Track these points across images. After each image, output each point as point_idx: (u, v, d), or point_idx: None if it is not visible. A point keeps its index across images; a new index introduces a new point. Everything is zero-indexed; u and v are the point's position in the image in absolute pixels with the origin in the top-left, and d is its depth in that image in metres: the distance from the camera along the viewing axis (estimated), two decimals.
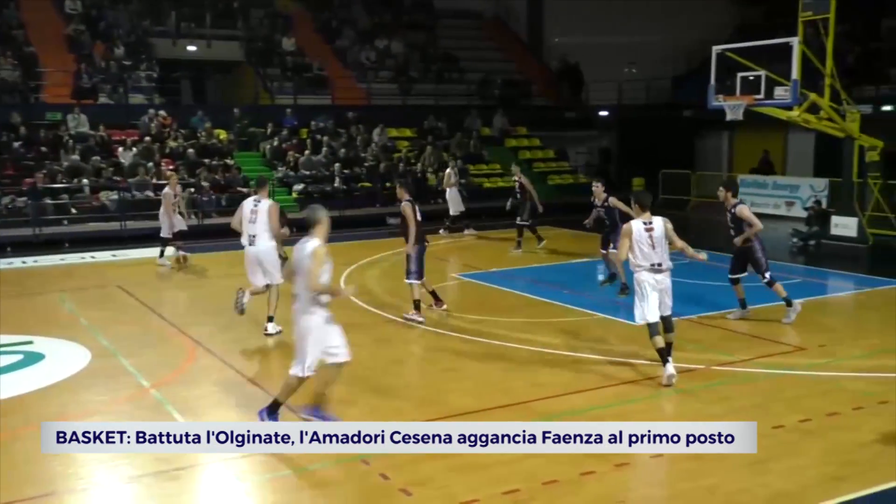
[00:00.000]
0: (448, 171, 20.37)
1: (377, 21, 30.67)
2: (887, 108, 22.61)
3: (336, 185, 23.13)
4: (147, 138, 22.69)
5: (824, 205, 21.35)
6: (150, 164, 21.76)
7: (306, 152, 23.77)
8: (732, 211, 10.95)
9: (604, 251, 13.72)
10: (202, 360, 9.70)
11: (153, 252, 16.43)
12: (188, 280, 15.01)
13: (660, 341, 8.59)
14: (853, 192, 17.17)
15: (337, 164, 23.50)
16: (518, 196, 17.38)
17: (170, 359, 9.74)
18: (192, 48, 26.75)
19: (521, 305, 12.45)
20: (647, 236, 8.54)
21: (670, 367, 8.50)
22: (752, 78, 15.79)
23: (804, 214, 19.80)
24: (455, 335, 10.57)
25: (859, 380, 8.65)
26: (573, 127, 29.99)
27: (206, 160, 22.64)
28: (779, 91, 15.38)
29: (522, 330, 10.78)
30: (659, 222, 8.63)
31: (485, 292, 13.31)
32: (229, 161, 23.09)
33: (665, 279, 8.66)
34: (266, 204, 10.28)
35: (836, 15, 15.86)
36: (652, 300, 8.61)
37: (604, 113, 30.17)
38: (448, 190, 20.06)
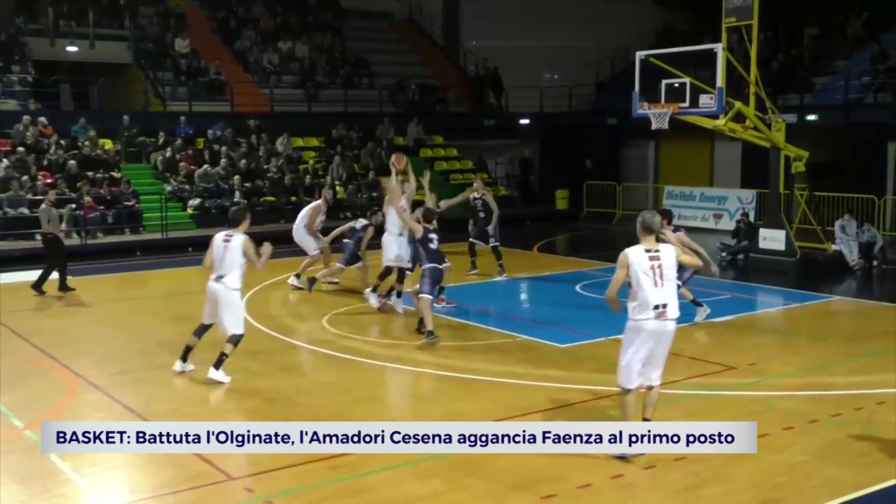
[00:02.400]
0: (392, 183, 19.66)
1: (280, 21, 30.49)
2: (812, 117, 23.65)
3: (236, 199, 22.79)
4: (21, 148, 21.95)
5: (753, 217, 22.17)
6: (25, 177, 21.06)
7: (203, 164, 23.39)
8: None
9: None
10: (85, 395, 9.40)
11: (29, 276, 15.85)
12: (68, 306, 14.53)
13: (627, 415, 7.39)
14: (780, 203, 17.86)
15: (237, 177, 23.19)
16: (482, 215, 16.33)
17: (46, 395, 9.41)
18: (72, 49, 26.05)
19: (440, 328, 12.47)
20: (652, 266, 7.15)
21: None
22: (676, 85, 16.28)
23: (733, 227, 20.46)
24: (369, 362, 10.53)
25: (789, 399, 8.98)
26: (492, 135, 30.34)
27: (90, 173, 22.03)
28: (704, 99, 15.91)
29: (441, 355, 10.82)
30: (669, 251, 7.28)
31: (397, 317, 13.30)
32: (116, 174, 22.53)
33: (668, 329, 7.26)
34: (239, 239, 9.66)
35: (759, 22, 16.52)
36: (640, 355, 7.28)
37: (524, 121, 30.63)
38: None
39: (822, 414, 8.43)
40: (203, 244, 21.37)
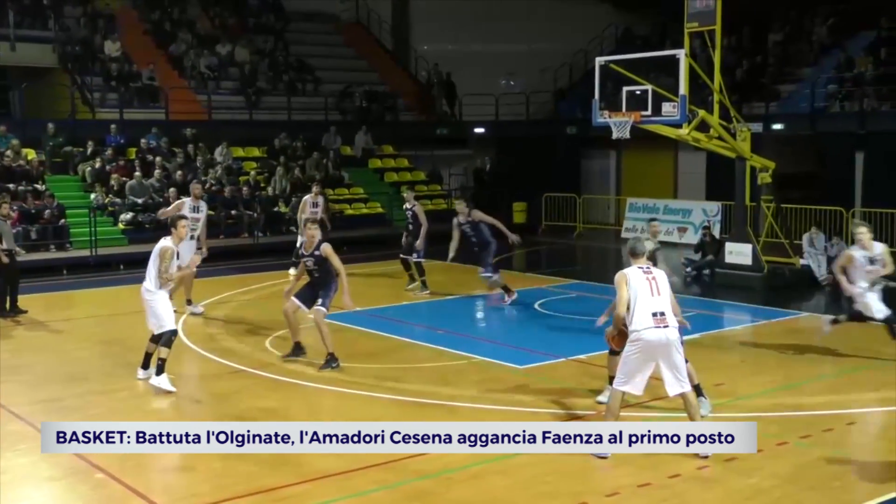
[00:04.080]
0: (305, 198, 19.52)
1: (218, 23, 30.33)
2: (778, 126, 24.14)
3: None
4: None
5: (718, 230, 22.51)
6: None
7: (135, 175, 23.14)
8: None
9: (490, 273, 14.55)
10: (7, 425, 9.22)
11: None
12: None
13: (610, 415, 8.10)
14: (746, 216, 18.16)
15: (172, 189, 22.92)
16: (411, 227, 16.66)
17: None
18: None
19: (389, 349, 12.48)
20: (647, 280, 8.02)
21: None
22: (638, 92, 16.47)
23: (697, 241, 20.75)
24: (313, 385, 10.50)
25: (757, 420, 9.09)
26: (446, 145, 30.45)
27: (11, 185, 21.66)
28: (667, 107, 16.12)
29: (391, 377, 10.81)
30: (661, 271, 8.25)
31: (347, 335, 13.27)
32: (40, 186, 22.18)
33: (670, 337, 7.90)
34: (157, 245, 10.71)
35: (723, 27, 16.84)
36: (632, 366, 7.97)
37: (479, 130, 30.80)
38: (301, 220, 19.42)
39: (792, 436, 8.59)
40: (136, 261, 21.23)
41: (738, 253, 17.77)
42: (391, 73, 32.45)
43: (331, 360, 11.18)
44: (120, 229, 22.06)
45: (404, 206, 17.12)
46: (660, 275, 8.14)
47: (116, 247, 21.40)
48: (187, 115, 26.21)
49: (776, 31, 28.57)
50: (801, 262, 18.09)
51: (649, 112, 16.20)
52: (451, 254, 15.45)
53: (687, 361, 8.65)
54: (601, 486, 7.53)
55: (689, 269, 19.08)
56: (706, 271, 18.82)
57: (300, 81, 29.65)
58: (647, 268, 8.15)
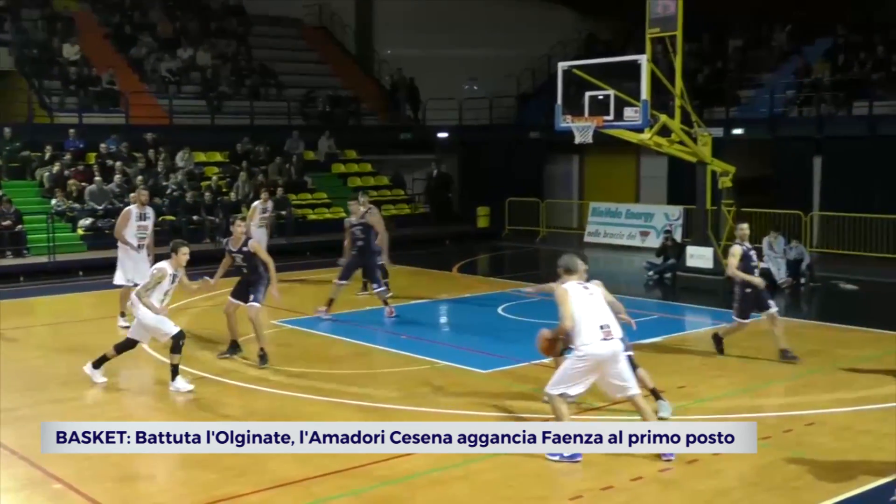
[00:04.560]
0: (255, 204, 18.39)
1: (180, 27, 30.10)
2: (738, 131, 24.42)
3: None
4: None
5: (679, 234, 22.71)
6: None
7: (95, 180, 22.88)
8: None
9: (343, 281, 14.47)
10: None
11: None
12: None
13: (563, 417, 8.12)
14: (707, 220, 18.35)
15: (133, 195, 22.71)
16: (360, 244, 15.42)
17: None
18: None
19: (352, 355, 12.44)
20: (587, 295, 8.18)
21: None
22: (600, 97, 16.60)
23: (659, 245, 20.91)
24: (275, 392, 10.43)
25: (720, 422, 9.19)
26: (409, 150, 30.45)
27: None
28: (629, 112, 16.26)
29: (354, 383, 10.78)
30: (596, 287, 8.37)
31: (310, 341, 13.22)
32: None
33: (616, 349, 8.06)
34: (155, 265, 10.99)
35: (684, 33, 17.01)
36: (572, 377, 8.06)
37: (443, 134, 30.84)
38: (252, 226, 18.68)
39: None
40: (95, 267, 21.03)
41: (700, 256, 17.95)
42: (354, 77, 32.40)
43: (262, 357, 11.44)
44: (79, 235, 21.80)
45: (347, 222, 15.26)
46: (596, 288, 8.33)
47: (75, 253, 21.15)
48: (148, 120, 25.98)
49: (736, 38, 28.93)
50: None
51: (612, 117, 16.33)
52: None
53: (638, 367, 8.75)
54: (564, 490, 7.56)
55: (651, 273, 19.22)
56: (668, 275, 18.97)
57: (263, 86, 29.51)
58: (585, 285, 8.30)
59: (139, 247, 13.85)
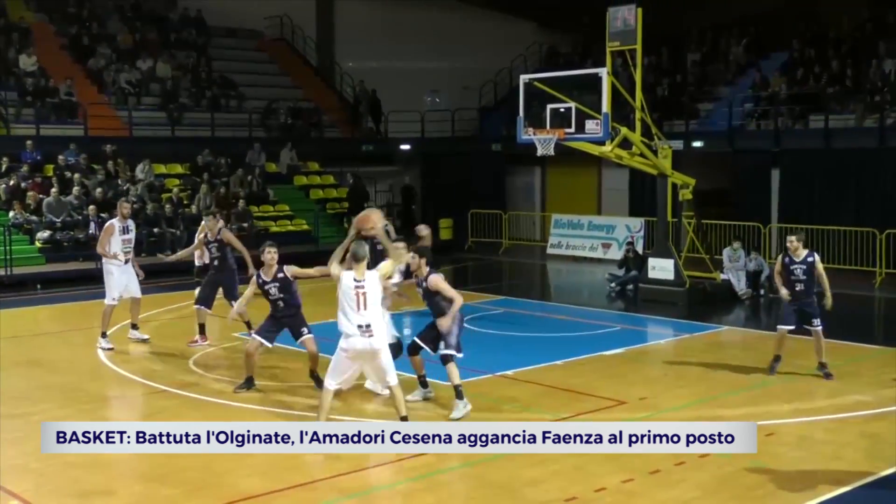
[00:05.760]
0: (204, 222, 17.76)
1: (139, 38, 29.85)
2: (697, 144, 24.71)
3: (91, 231, 22.07)
4: None
5: (641, 245, 22.91)
6: None
7: (52, 192, 22.59)
8: (807, 261, 11.40)
9: (201, 306, 13.40)
10: None
11: None
12: None
13: (321, 416, 8.80)
14: (668, 232, 18.52)
15: (92, 207, 22.46)
16: (217, 263, 13.74)
17: None
18: None
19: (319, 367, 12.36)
20: (357, 293, 8.55)
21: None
22: (562, 110, 16.71)
23: (620, 256, 21.06)
24: (237, 405, 10.35)
25: (719, 422, 9.25)
26: (372, 162, 30.43)
27: None
28: (590, 125, 16.37)
29: (314, 396, 10.62)
30: (373, 279, 8.66)
31: (272, 354, 13.08)
32: None
33: (375, 345, 8.61)
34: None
35: (643, 47, 17.20)
36: (343, 365, 8.77)
37: (405, 147, 30.87)
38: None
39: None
40: (54, 280, 20.72)
41: (661, 268, 18.09)
42: (316, 89, 32.32)
43: (318, 381, 10.33)
44: (37, 248, 21.50)
45: (204, 236, 14.02)
46: (371, 286, 8.59)
47: (33, 266, 20.87)
48: (107, 132, 25.71)
49: (694, 51, 29.31)
50: (722, 276, 18.50)
51: (573, 129, 16.43)
52: (197, 263, 14.79)
53: (452, 360, 9.38)
54: (528, 501, 7.57)
55: (612, 285, 19.34)
56: (630, 286, 19.10)
57: (223, 97, 29.34)
58: (361, 282, 8.56)
59: (126, 261, 13.47)
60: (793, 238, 11.63)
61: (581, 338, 13.72)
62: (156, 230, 22.80)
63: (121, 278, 13.40)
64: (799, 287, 11.44)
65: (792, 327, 11.56)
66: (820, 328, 11.47)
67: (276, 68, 32.50)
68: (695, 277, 18.18)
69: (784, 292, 11.55)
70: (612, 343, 13.61)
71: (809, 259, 11.43)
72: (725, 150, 24.54)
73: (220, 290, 13.68)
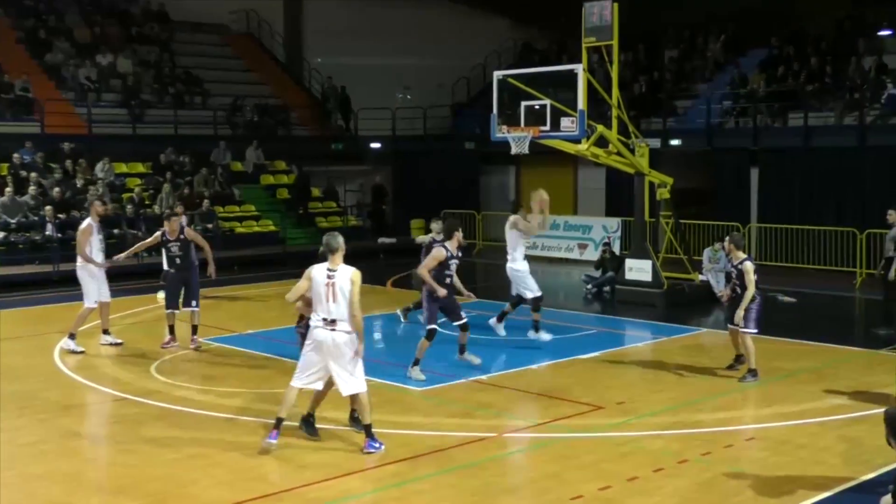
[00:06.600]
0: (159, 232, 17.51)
1: (99, 32, 29.58)
2: (675, 142, 24.85)
3: (48, 232, 21.86)
4: None
5: (618, 246, 22.99)
6: None
7: (7, 191, 22.34)
8: (738, 267, 11.68)
9: (172, 309, 13.57)
10: None
11: None
12: None
13: (282, 410, 8.84)
14: (646, 232, 18.59)
15: (49, 208, 22.25)
16: (178, 262, 13.77)
17: None
18: None
19: (281, 373, 12.22)
20: (327, 285, 8.60)
21: (272, 440, 8.79)
22: (537, 107, 16.69)
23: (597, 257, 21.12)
24: (202, 413, 10.27)
25: (658, 438, 9.32)
26: (341, 161, 30.36)
27: None
28: (565, 122, 16.37)
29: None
30: (346, 273, 8.62)
31: (239, 359, 13.05)
32: None
33: (338, 339, 8.60)
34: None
35: (619, 43, 17.26)
36: (308, 360, 8.78)
37: (376, 145, 30.82)
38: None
39: (692, 453, 8.80)
40: (9, 284, 20.47)
41: (638, 269, 18.15)
42: (283, 86, 32.21)
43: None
44: None
45: (161, 235, 13.83)
46: (342, 279, 8.56)
47: None
48: (65, 129, 25.47)
49: (671, 48, 29.48)
50: (701, 277, 18.61)
51: (548, 127, 16.41)
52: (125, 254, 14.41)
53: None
54: None
55: (589, 286, 19.40)
56: (606, 288, 19.17)
57: (187, 94, 29.16)
58: (334, 272, 8.59)
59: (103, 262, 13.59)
60: (727, 239, 12.22)
61: (557, 341, 13.72)
62: (116, 231, 22.59)
63: (92, 283, 13.52)
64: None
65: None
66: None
67: (242, 64, 32.35)
68: (673, 279, 18.27)
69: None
70: (589, 346, 13.64)
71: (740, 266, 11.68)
72: (704, 149, 24.69)
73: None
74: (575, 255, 24.80)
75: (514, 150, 16.77)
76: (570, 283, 21.42)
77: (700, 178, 24.58)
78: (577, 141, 16.68)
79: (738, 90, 25.58)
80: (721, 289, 18.21)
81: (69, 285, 19.38)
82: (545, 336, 13.67)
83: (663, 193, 18.33)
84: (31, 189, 22.74)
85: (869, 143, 21.98)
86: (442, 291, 11.69)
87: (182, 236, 13.53)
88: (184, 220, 14.34)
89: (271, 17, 33.39)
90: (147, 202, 24.49)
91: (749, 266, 11.57)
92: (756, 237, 22.62)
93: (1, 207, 22.03)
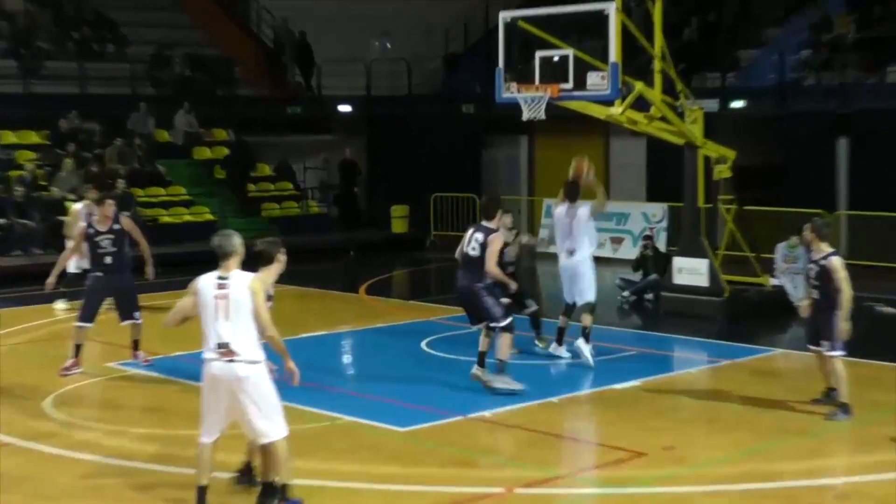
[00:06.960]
0: (74, 206, 18.11)
1: None
2: (738, 104, 24.76)
3: None
4: None
5: (663, 241, 22.86)
6: None
7: None
8: (822, 263, 11.42)
9: (84, 323, 13.49)
10: None
11: None
12: None
13: (201, 477, 8.57)
14: (700, 223, 18.45)
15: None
16: (110, 261, 13.73)
17: None
18: None
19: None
20: (217, 298, 8.22)
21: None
22: (556, 59, 16.60)
23: (636, 256, 20.99)
24: (116, 463, 10.16)
25: (720, 496, 9.17)
26: (300, 129, 30.31)
27: None
28: (593, 78, 16.26)
29: (223, 447, 10.38)
30: (243, 280, 8.27)
31: (166, 390, 12.94)
32: None
33: (240, 373, 8.24)
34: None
35: None
36: (207, 406, 8.45)
37: (345, 108, 30.77)
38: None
39: None
40: None
41: (691, 271, 18.05)
42: (224, 32, 32.20)
43: None
44: None
45: (88, 227, 13.95)
46: (239, 291, 8.22)
47: None
48: None
49: None
50: (773, 281, 18.48)
51: (571, 85, 16.30)
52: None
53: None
54: None
55: (625, 294, 19.30)
56: (648, 295, 19.09)
57: (97, 41, 29.14)
58: (226, 281, 8.24)
59: None
60: (808, 226, 11.93)
61: (584, 365, 13.58)
62: (2, 221, 22.45)
63: None
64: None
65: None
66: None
67: (170, 3, 32.35)
68: (736, 283, 18.16)
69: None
70: (626, 373, 13.52)
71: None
72: (775, 113, 24.59)
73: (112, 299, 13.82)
74: (607, 252, 24.67)
75: (526, 116, 16.65)
76: (600, 288, 21.15)
77: (771, 151, 24.51)
78: (609, 103, 16.58)
79: (821, 36, 25.47)
80: (800, 295, 18.14)
81: None
82: (565, 353, 13.71)
83: (723, 171, 18.22)
84: None
85: None
86: (514, 285, 12.90)
87: (116, 226, 13.34)
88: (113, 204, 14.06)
89: None
90: (42, 182, 24.40)
91: (837, 262, 11.35)
92: (845, 228, 22.56)
93: None
